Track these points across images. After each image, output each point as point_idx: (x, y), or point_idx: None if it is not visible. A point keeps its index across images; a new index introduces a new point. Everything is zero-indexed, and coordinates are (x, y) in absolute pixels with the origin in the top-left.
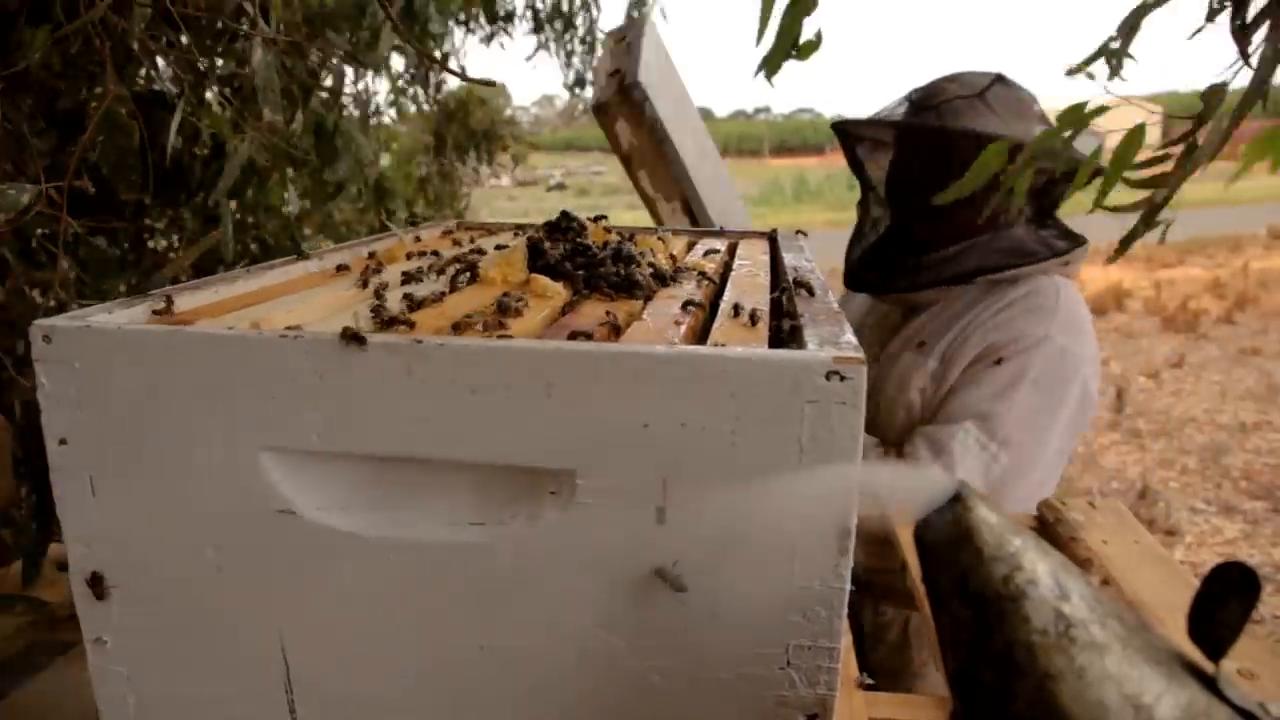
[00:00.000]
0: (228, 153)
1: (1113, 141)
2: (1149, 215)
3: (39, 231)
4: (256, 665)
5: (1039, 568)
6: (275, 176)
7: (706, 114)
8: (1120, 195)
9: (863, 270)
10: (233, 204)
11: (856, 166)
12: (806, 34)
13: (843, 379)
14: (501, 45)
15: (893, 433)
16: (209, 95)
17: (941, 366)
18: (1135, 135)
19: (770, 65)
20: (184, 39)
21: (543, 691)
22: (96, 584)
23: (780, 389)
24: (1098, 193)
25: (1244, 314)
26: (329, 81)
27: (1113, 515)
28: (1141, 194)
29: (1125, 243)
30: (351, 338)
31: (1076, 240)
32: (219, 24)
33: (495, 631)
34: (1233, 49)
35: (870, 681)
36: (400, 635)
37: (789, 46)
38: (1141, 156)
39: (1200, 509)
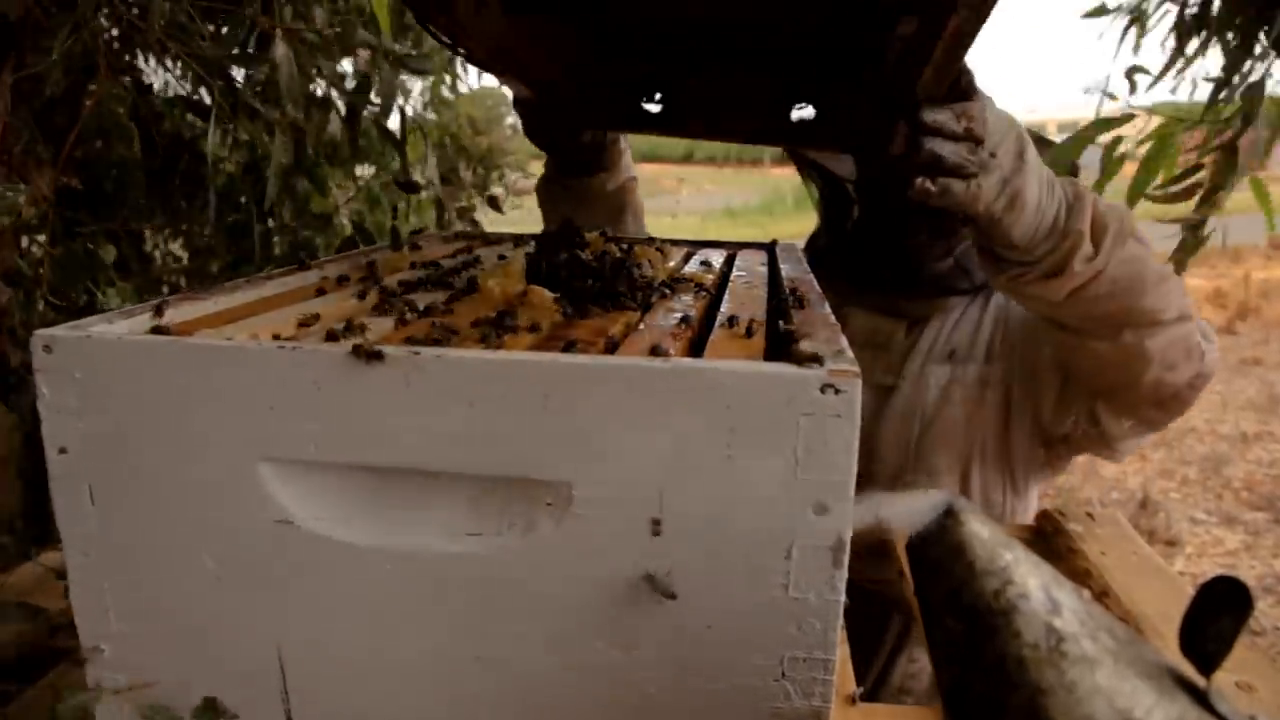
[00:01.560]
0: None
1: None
2: (1194, 230)
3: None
4: (253, 675)
5: (1030, 581)
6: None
7: None
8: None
9: (874, 272)
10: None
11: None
12: None
13: (837, 392)
14: None
15: (952, 455)
16: (211, 94)
17: (986, 367)
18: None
19: None
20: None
21: (539, 702)
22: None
23: (775, 402)
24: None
25: (1245, 324)
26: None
27: (1111, 526)
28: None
29: (1179, 256)
30: (369, 354)
31: None
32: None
33: (492, 642)
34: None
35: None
36: (397, 645)
37: None
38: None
39: (1201, 519)
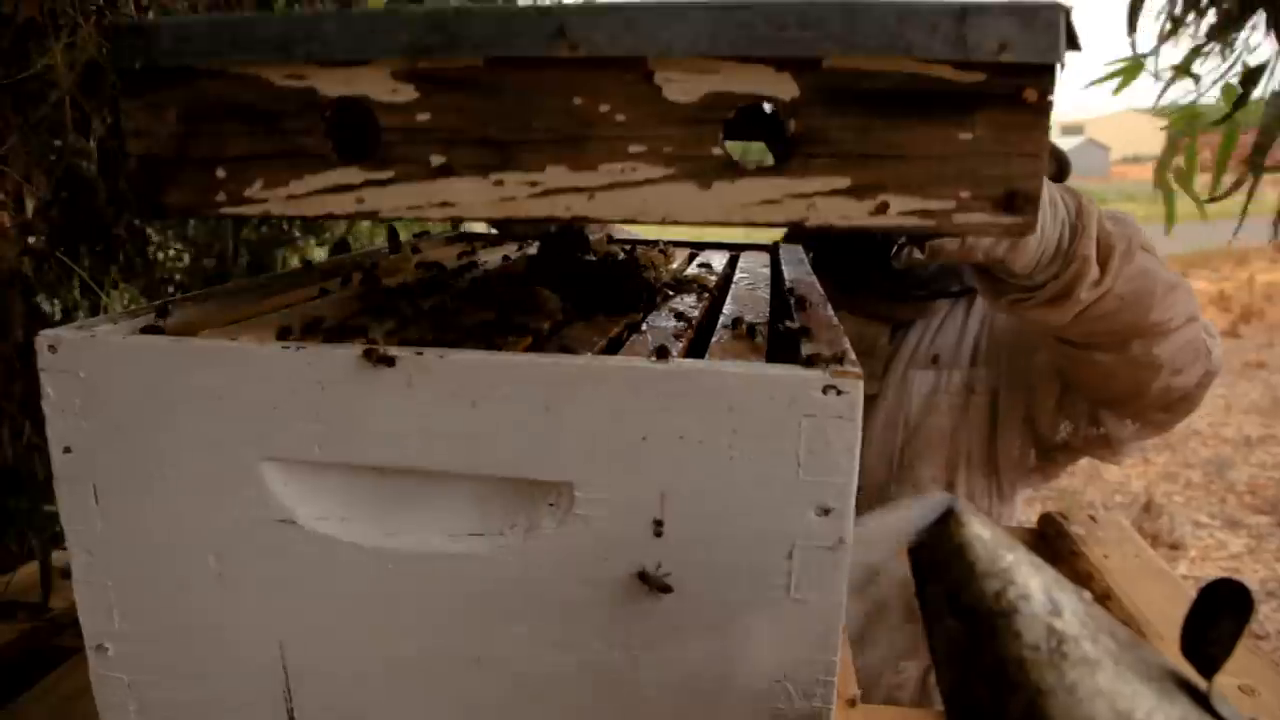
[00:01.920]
0: None
1: (1119, 153)
2: None
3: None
4: (256, 674)
5: (1031, 583)
6: None
7: None
8: (1124, 207)
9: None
10: None
11: None
12: None
13: (839, 393)
14: None
15: (938, 463)
16: None
17: (972, 372)
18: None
19: None
20: None
21: (540, 703)
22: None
23: (777, 404)
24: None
25: (1249, 327)
26: None
27: (1114, 529)
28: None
29: None
30: (379, 359)
31: None
32: None
33: (493, 642)
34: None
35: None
36: (399, 645)
37: None
38: (1150, 168)
39: (1204, 523)
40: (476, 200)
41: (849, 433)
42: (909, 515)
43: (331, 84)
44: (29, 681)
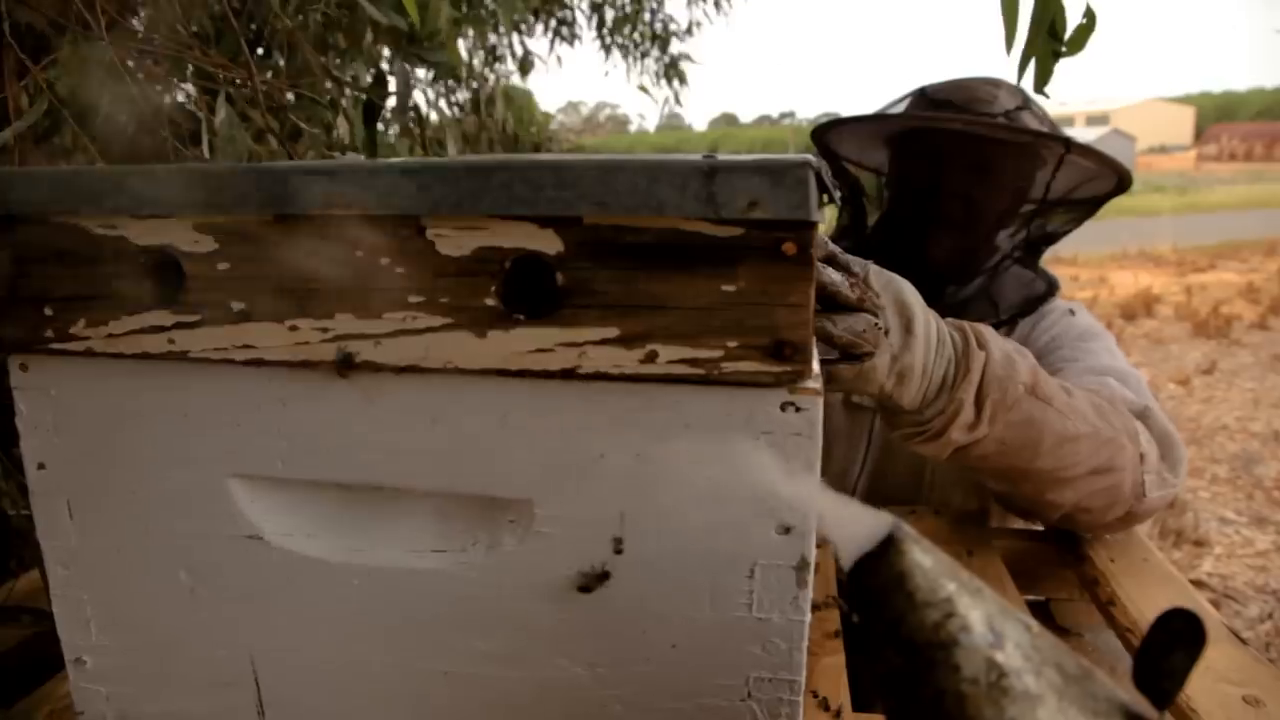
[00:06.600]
0: None
1: (1144, 143)
2: None
3: None
4: (229, 685)
5: (973, 614)
6: None
7: (731, 119)
8: (1151, 198)
9: None
10: None
11: (851, 178)
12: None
13: (798, 410)
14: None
15: (966, 489)
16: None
17: None
18: None
19: (1040, 74)
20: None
21: (508, 718)
22: None
23: (735, 421)
24: None
25: (1278, 319)
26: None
27: (1121, 533)
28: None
29: None
30: (340, 365)
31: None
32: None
33: (458, 658)
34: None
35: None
36: (366, 659)
37: (1051, 44)
38: (1177, 159)
39: (1230, 520)
40: (275, 344)
41: (809, 450)
42: (850, 536)
43: (141, 233)
44: (30, 686)
